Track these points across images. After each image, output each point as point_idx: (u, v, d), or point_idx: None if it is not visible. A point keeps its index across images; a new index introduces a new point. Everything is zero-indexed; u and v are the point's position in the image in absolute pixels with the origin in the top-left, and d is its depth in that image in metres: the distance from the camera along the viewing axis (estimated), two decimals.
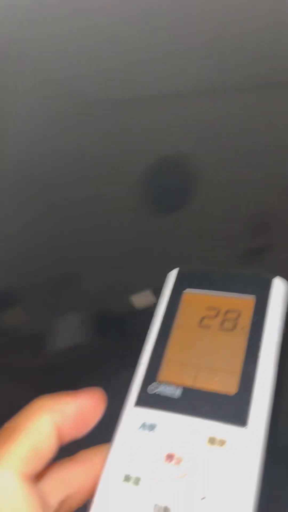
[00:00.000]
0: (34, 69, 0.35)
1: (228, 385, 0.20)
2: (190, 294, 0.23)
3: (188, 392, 0.20)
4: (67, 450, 0.21)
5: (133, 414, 0.20)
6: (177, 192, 0.41)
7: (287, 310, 0.22)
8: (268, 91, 0.39)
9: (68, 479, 0.20)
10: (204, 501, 0.17)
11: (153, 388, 0.21)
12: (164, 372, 0.21)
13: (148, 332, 0.23)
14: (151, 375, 0.21)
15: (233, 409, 0.19)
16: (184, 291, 0.23)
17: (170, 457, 0.19)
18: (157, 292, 0.24)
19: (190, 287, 0.23)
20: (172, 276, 0.24)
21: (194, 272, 0.24)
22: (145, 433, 0.20)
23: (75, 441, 0.21)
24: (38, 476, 0.19)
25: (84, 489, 0.20)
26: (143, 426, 0.20)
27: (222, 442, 0.19)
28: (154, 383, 0.21)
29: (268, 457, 0.19)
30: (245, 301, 0.22)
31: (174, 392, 0.20)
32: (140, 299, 0.43)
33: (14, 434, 0.18)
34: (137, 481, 0.18)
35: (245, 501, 0.17)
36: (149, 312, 0.24)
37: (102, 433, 0.21)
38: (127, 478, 0.19)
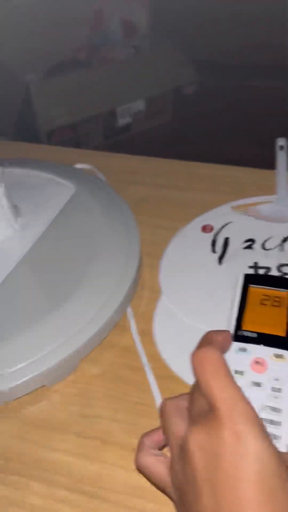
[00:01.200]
0: None
1: (280, 331, 0.39)
2: (252, 287, 0.43)
3: (260, 334, 0.39)
4: None
5: (234, 345, 0.39)
6: None
7: None
8: None
9: None
10: (277, 381, 0.36)
11: (241, 332, 0.40)
12: (245, 325, 0.40)
13: (231, 308, 0.42)
14: (239, 326, 0.40)
15: (285, 344, 0.39)
16: (250, 286, 0.43)
17: (257, 362, 0.38)
18: None
19: (252, 284, 0.43)
20: (241, 277, 0.44)
21: (253, 275, 0.44)
22: (241, 353, 0.38)
23: None
24: None
25: None
26: (240, 350, 0.39)
27: (281, 357, 0.38)
28: (240, 330, 0.40)
29: None
30: (283, 293, 0.42)
31: (253, 334, 0.39)
32: None
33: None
34: (241, 372, 0.37)
35: None
36: None
37: None
38: (236, 372, 0.37)
